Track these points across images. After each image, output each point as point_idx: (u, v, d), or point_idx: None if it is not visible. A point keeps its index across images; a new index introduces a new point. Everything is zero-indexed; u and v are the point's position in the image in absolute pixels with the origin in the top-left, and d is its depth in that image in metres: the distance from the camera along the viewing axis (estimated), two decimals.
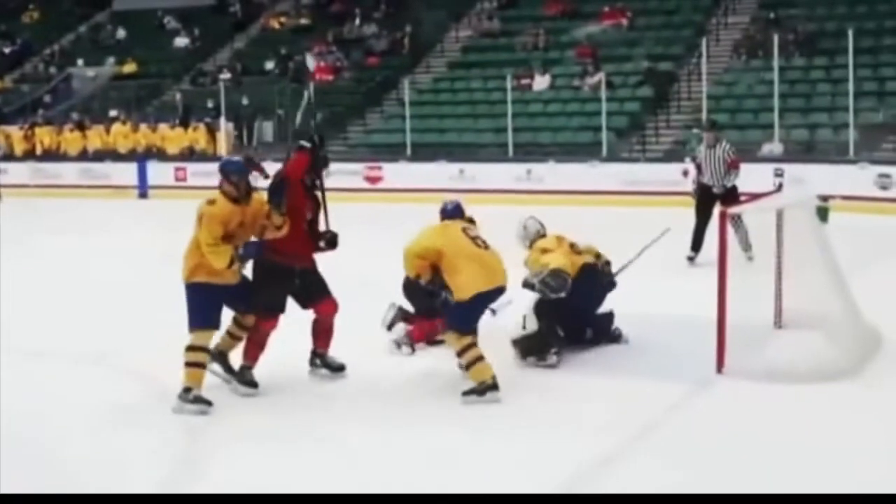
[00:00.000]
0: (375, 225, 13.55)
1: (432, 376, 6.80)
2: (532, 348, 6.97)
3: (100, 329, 8.39)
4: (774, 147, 17.35)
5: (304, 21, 26.10)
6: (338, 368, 6.79)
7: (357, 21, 25.21)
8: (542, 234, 7.40)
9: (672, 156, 18.15)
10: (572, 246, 7.37)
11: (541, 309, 7.12)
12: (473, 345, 6.29)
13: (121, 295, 9.78)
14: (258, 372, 6.53)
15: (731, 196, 10.12)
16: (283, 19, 26.33)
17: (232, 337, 6.51)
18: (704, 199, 10.49)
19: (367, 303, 7.66)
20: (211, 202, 6.22)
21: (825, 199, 11.69)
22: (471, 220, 6.78)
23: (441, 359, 6.93)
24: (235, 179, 6.27)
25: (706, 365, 6.58)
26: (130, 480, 5.10)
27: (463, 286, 6.27)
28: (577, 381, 6.64)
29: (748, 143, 18.02)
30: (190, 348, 6.18)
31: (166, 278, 9.17)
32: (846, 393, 6.16)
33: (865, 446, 5.34)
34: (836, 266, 7.19)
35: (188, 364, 6.15)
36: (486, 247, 6.47)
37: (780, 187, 10.54)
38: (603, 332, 7.42)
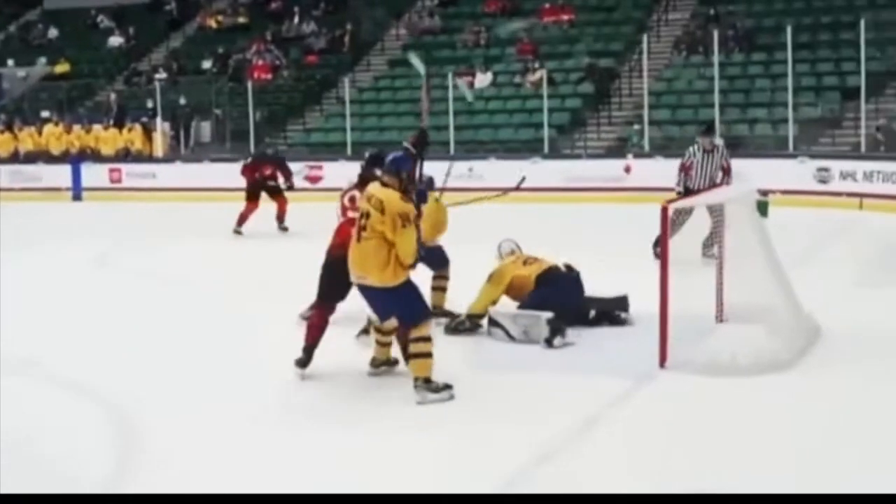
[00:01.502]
0: (316, 224, 13.31)
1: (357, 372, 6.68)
2: (559, 331, 7.25)
3: (29, 335, 8.05)
4: (715, 142, 17.36)
5: (241, 19, 25.71)
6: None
7: (296, 19, 24.90)
8: (513, 253, 7.97)
9: (613, 152, 18.16)
10: (528, 261, 7.83)
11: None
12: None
13: (53, 299, 9.44)
14: None
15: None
16: (219, 18, 25.90)
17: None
18: None
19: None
20: (404, 200, 6.01)
21: (765, 193, 11.70)
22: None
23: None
24: (406, 175, 6.14)
25: (649, 359, 6.53)
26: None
27: None
28: (519, 378, 6.56)
29: (689, 138, 18.07)
30: (419, 339, 6.07)
31: (100, 282, 8.87)
32: (786, 384, 6.18)
33: (806, 437, 5.32)
34: (776, 259, 7.22)
35: (419, 355, 6.07)
36: (360, 238, 6.08)
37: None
38: (605, 315, 7.74)
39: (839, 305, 7.86)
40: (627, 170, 16.88)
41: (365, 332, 7.18)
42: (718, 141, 10.97)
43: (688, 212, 8.20)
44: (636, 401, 6.07)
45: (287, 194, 14.14)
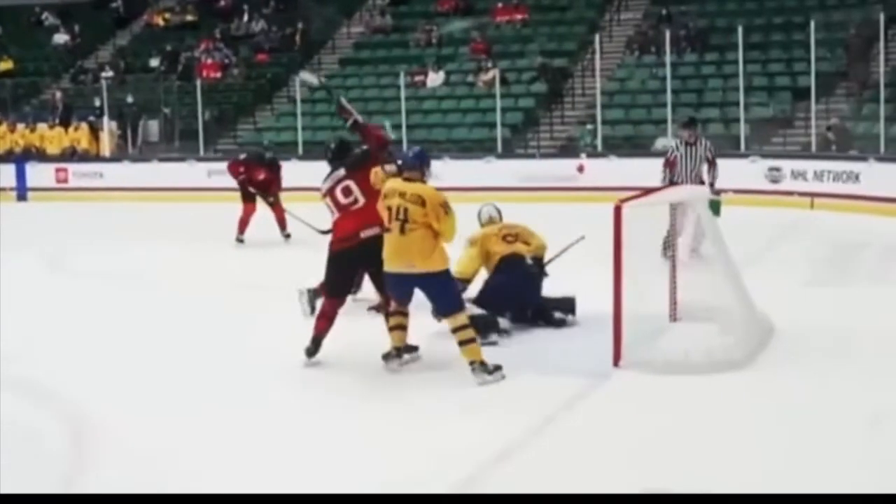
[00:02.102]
0: (268, 224, 13.14)
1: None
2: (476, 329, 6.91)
3: None
4: (667, 142, 17.39)
5: (189, 17, 25.31)
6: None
7: (245, 17, 24.61)
8: (492, 221, 8.02)
9: (567, 151, 18.13)
10: (507, 237, 7.80)
11: (480, 299, 7.47)
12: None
13: (7, 303, 9.13)
14: None
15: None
16: (167, 15, 25.49)
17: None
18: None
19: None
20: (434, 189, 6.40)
21: (717, 192, 11.70)
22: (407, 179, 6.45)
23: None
24: (427, 168, 6.51)
25: (603, 358, 6.48)
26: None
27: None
28: (470, 379, 6.39)
29: (641, 138, 18.16)
30: (460, 328, 6.32)
31: (53, 285, 8.64)
32: (740, 382, 6.18)
33: (761, 434, 5.30)
34: (729, 258, 7.21)
35: (467, 342, 6.33)
36: (403, 230, 6.28)
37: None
38: (541, 314, 7.64)
39: (791, 304, 7.88)
40: (580, 169, 16.86)
41: (377, 309, 7.49)
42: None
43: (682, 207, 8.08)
44: (591, 400, 6.02)
45: (237, 194, 13.71)
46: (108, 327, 8.12)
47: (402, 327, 6.65)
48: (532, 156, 18.16)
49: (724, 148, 16.94)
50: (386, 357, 6.63)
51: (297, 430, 5.56)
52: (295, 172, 18.19)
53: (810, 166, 15.13)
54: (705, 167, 10.22)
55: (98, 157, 21.01)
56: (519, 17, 22.19)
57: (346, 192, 6.77)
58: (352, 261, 6.76)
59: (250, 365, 6.85)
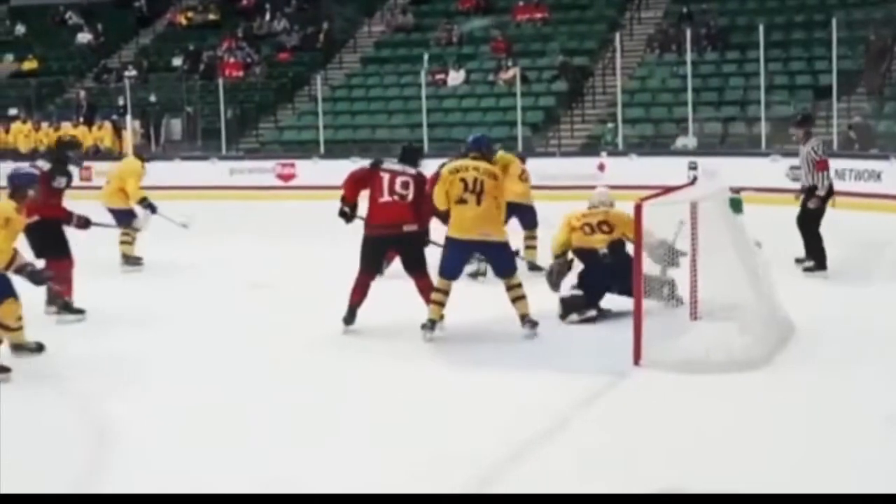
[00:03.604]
0: (289, 222, 13.22)
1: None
2: (574, 307, 7.71)
3: None
4: (688, 140, 17.43)
5: (212, 16, 25.48)
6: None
7: (267, 16, 24.73)
8: (593, 205, 8.23)
9: (587, 150, 18.11)
10: (585, 227, 8.04)
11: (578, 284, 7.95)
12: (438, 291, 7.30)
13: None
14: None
15: (809, 195, 9.36)
16: (189, 14, 25.65)
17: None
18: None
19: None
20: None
21: (737, 191, 11.66)
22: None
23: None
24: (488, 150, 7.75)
25: (624, 356, 6.48)
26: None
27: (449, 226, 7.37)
28: (492, 376, 6.48)
29: (662, 136, 18.15)
30: (516, 286, 7.30)
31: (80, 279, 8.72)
32: (758, 382, 6.16)
33: (780, 434, 5.28)
34: (751, 257, 7.20)
35: (521, 297, 7.28)
36: (479, 201, 7.21)
37: (694, 180, 10.45)
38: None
39: (811, 303, 7.84)
40: (601, 168, 16.85)
41: (477, 274, 9.06)
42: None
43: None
44: (611, 398, 6.01)
45: (257, 193, 13.75)
46: (127, 324, 8.16)
47: (442, 304, 7.31)
48: (552, 154, 18.16)
49: (745, 147, 17.00)
50: (423, 326, 7.25)
51: (306, 432, 5.53)
52: (316, 172, 18.46)
53: (832, 164, 15.00)
54: (808, 168, 9.44)
55: (121, 156, 21.12)
56: (539, 15, 22.20)
57: (405, 185, 7.44)
58: (386, 247, 7.71)
59: (262, 365, 6.85)
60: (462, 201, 7.21)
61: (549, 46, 21.09)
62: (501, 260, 7.41)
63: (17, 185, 7.01)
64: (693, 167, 15.52)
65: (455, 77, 20.74)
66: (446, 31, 22.20)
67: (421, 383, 6.39)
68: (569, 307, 7.76)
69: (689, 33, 18.07)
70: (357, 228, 7.69)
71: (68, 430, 5.66)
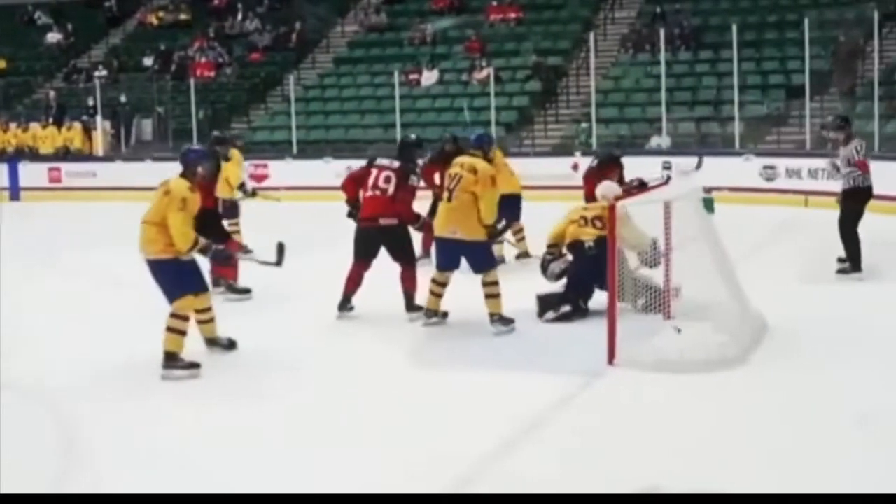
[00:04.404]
0: (260, 223, 13.03)
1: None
2: (549, 305, 7.69)
3: None
4: (662, 140, 17.44)
5: (183, 16, 25.28)
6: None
7: (239, 16, 24.55)
8: (605, 199, 7.77)
9: (561, 150, 18.07)
10: (582, 219, 8.02)
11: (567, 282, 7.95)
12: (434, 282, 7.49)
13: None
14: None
15: (850, 196, 9.14)
16: (160, 14, 25.43)
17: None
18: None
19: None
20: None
21: (709, 190, 11.70)
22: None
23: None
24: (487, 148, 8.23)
25: (598, 356, 6.44)
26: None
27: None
28: (466, 375, 6.44)
29: (636, 136, 18.14)
30: (491, 283, 7.33)
31: (41, 283, 8.55)
32: (733, 381, 6.16)
33: (750, 434, 5.27)
34: (723, 256, 7.21)
35: (493, 296, 7.33)
36: (450, 196, 7.37)
37: (667, 180, 10.45)
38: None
39: (785, 301, 7.86)
40: (575, 167, 16.79)
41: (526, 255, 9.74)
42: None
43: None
44: (585, 398, 5.98)
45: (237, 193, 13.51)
46: (101, 327, 8.04)
47: (437, 295, 7.51)
48: (527, 154, 18.12)
49: (719, 146, 17.02)
50: (425, 313, 7.58)
51: (286, 432, 5.50)
52: (288, 172, 18.31)
53: (805, 164, 15.11)
54: (849, 171, 9.14)
55: (91, 157, 20.95)
56: (512, 15, 22.16)
57: (387, 179, 7.69)
58: (373, 239, 7.75)
59: (243, 364, 6.81)
60: (444, 197, 7.49)
61: (523, 46, 21.07)
62: (472, 257, 7.43)
63: (186, 162, 6.72)
64: (667, 167, 15.50)
65: (428, 77, 20.66)
66: (420, 30, 22.12)
67: (395, 385, 6.34)
68: (545, 305, 7.73)
69: (662, 33, 18.11)
70: (328, 229, 7.69)
71: (40, 432, 5.54)
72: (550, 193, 16.07)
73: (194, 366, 6.45)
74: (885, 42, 18.14)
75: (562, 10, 22.41)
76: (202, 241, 6.48)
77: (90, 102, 21.62)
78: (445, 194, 7.46)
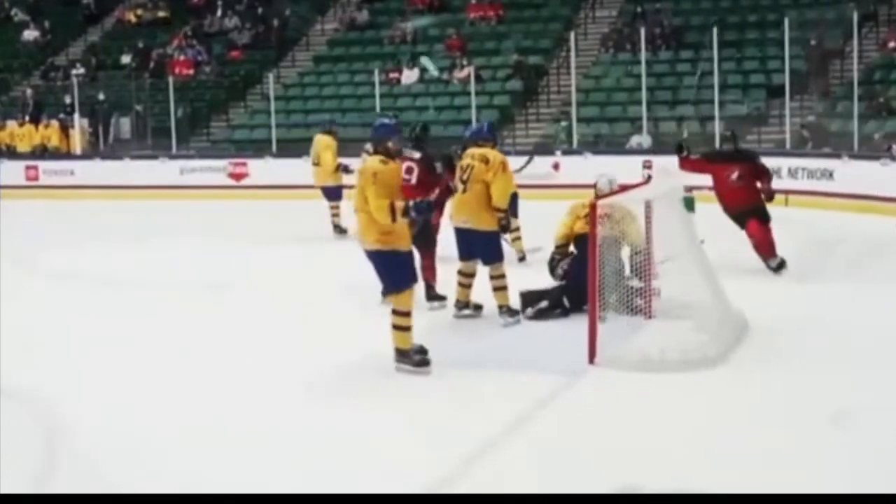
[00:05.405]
0: (241, 222, 13.03)
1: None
2: (529, 301, 7.70)
3: None
4: (643, 139, 17.43)
5: (161, 14, 25.03)
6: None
7: (218, 14, 24.39)
8: (605, 194, 7.89)
9: (542, 149, 18.03)
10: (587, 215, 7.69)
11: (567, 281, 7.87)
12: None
13: None
14: None
15: None
16: (139, 12, 25.19)
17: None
18: None
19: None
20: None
21: (689, 189, 11.68)
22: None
23: None
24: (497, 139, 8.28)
25: (579, 356, 6.43)
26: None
27: None
28: (448, 374, 6.40)
29: (617, 135, 18.13)
30: (499, 276, 7.53)
31: (18, 283, 8.46)
32: (713, 380, 6.18)
33: (730, 433, 5.29)
34: (703, 255, 7.24)
35: (501, 288, 7.54)
36: (465, 187, 7.59)
37: (648, 179, 10.44)
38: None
39: (765, 300, 7.90)
40: (556, 167, 16.80)
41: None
42: None
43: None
44: (565, 398, 5.97)
45: (208, 192, 13.58)
46: (79, 327, 7.98)
47: (463, 286, 7.67)
48: (507, 153, 18.03)
49: (699, 145, 17.00)
50: (455, 303, 7.75)
51: (276, 432, 5.46)
52: (268, 171, 18.22)
53: (785, 163, 15.12)
54: None
55: (69, 155, 20.77)
56: (493, 14, 22.12)
57: (409, 170, 7.96)
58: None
59: (225, 366, 6.77)
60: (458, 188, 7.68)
61: (504, 45, 21.03)
62: (481, 248, 7.57)
63: (374, 137, 6.62)
64: (648, 166, 15.49)
65: (409, 75, 20.59)
66: (400, 29, 22.05)
67: (373, 386, 6.28)
68: (527, 302, 7.72)
69: (643, 32, 18.10)
70: (299, 230, 7.64)
71: (19, 433, 5.45)
72: (531, 192, 16.10)
73: (424, 363, 6.35)
74: (865, 42, 18.20)
75: (542, 8, 22.37)
76: (398, 204, 6.24)
77: (68, 100, 21.43)
78: (460, 185, 7.62)
